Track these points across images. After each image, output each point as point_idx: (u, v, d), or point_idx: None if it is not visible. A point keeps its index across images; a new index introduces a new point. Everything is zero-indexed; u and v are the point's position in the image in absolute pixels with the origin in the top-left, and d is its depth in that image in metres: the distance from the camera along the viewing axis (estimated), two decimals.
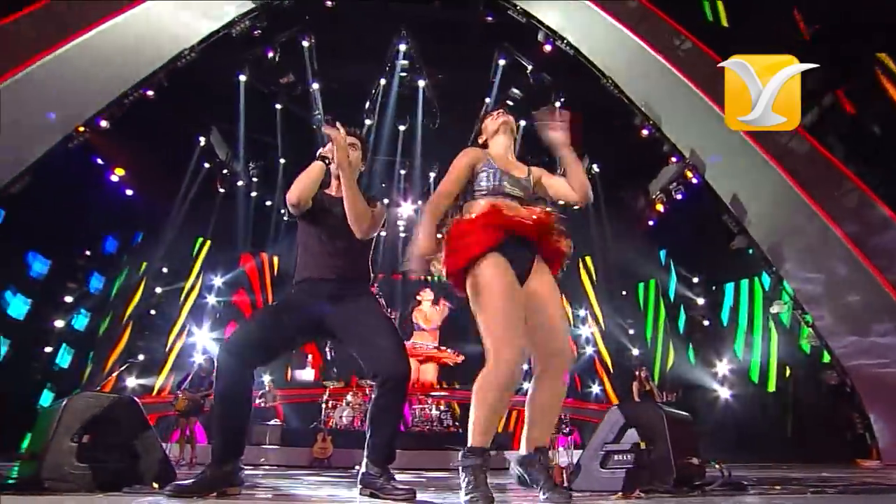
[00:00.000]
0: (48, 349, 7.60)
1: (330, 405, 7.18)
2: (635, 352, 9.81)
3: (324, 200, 2.18)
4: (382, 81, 9.23)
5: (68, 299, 7.69)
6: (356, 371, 7.39)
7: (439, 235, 1.85)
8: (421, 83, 9.23)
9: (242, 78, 8.08)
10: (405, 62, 9.01)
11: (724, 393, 8.89)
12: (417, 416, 7.51)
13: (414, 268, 1.83)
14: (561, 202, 2.08)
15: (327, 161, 2.12)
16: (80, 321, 8.13)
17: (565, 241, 1.94)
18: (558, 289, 1.90)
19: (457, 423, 7.29)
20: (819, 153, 7.00)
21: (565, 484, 2.42)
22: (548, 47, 8.14)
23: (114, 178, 7.66)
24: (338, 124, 2.16)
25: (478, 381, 1.71)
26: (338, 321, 2.07)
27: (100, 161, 7.48)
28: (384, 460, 1.99)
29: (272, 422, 6.90)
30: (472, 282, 1.79)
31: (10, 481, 2.26)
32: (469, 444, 1.71)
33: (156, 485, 2.14)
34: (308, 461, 6.12)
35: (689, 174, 8.60)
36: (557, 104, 9.51)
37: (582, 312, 10.61)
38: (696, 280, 9.71)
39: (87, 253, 8.12)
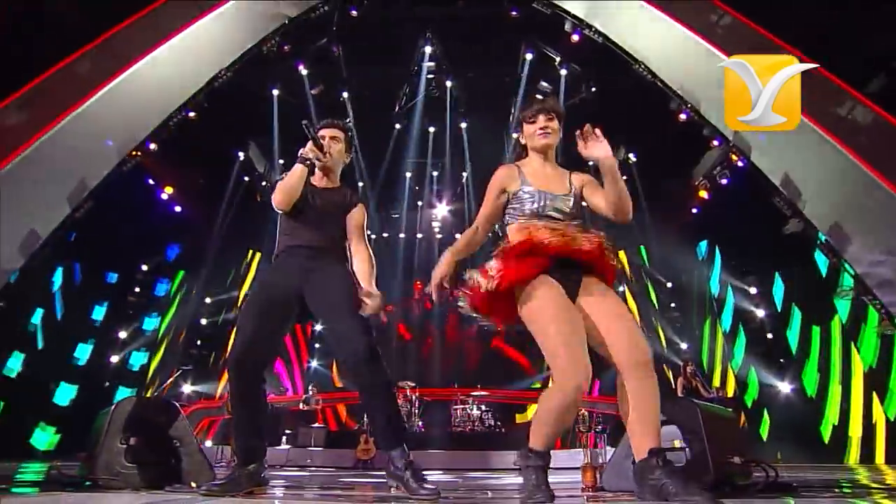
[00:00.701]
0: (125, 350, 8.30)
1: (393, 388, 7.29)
2: (683, 346, 9.38)
3: (306, 190, 2.25)
4: (410, 85, 9.32)
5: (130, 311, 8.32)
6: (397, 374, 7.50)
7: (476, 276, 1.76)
8: (448, 83, 9.24)
9: (276, 92, 8.38)
10: (431, 64, 9.07)
11: (785, 388, 8.33)
12: (459, 416, 7.51)
13: (433, 296, 1.81)
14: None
15: (307, 162, 2.17)
16: (151, 323, 8.78)
17: (614, 260, 1.85)
18: (609, 291, 1.81)
19: (498, 423, 7.23)
20: (887, 122, 6.45)
21: (599, 483, 2.34)
22: (575, 37, 7.97)
23: (164, 196, 8.17)
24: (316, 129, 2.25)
25: (546, 396, 1.71)
26: (311, 301, 2.11)
27: (151, 181, 8.00)
28: (390, 444, 1.99)
29: (316, 425, 7.11)
30: (524, 310, 1.73)
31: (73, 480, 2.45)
32: (530, 446, 1.69)
33: (194, 484, 2.26)
34: (352, 462, 6.25)
35: (734, 157, 8.16)
36: (588, 126, 9.24)
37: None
38: (745, 269, 9.18)
39: (145, 267, 8.70)
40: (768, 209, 7.51)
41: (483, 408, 7.53)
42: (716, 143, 8.19)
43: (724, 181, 8.71)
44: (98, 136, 6.74)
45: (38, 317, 7.62)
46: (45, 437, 7.38)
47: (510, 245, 1.80)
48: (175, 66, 6.85)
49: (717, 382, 8.23)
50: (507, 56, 8.83)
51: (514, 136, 2.04)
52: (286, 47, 7.73)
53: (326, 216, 2.22)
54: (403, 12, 8.35)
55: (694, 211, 9.28)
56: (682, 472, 1.64)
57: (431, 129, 10.04)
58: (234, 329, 2.23)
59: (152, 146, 6.91)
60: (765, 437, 8.06)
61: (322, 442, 6.68)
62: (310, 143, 2.19)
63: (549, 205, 1.84)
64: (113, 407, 2.48)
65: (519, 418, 9.21)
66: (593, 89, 8.77)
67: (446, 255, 1.83)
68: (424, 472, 1.99)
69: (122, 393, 8.01)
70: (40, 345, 7.54)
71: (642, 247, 10.22)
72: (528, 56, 8.69)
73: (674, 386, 6.40)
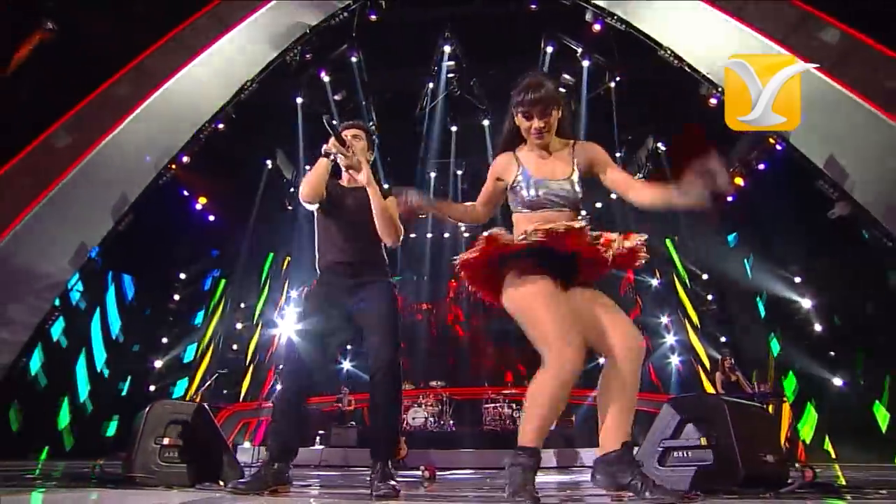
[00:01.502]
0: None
1: (403, 408, 7.36)
2: (723, 339, 9.00)
3: (336, 191, 2.31)
4: (431, 85, 9.35)
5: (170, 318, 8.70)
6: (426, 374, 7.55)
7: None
8: (469, 82, 9.21)
9: (299, 100, 8.57)
10: (451, 63, 9.06)
11: (837, 381, 7.85)
12: (490, 415, 7.48)
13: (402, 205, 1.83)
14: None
15: (331, 156, 2.21)
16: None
17: (607, 252, 1.71)
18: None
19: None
20: None
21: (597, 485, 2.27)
22: (597, 27, 7.78)
23: (198, 207, 8.51)
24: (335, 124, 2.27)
25: (536, 381, 1.62)
26: (356, 313, 2.20)
27: (185, 192, 8.36)
28: (376, 455, 2.07)
29: (350, 425, 7.22)
30: (511, 299, 1.69)
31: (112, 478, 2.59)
32: (521, 444, 1.62)
33: (222, 483, 2.34)
34: None
35: (772, 140, 7.77)
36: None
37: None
38: (786, 256, 8.71)
39: (182, 276, 9.10)
40: (811, 193, 7.13)
41: (514, 406, 7.46)
42: None
43: (760, 166, 8.33)
44: (136, 152, 7.10)
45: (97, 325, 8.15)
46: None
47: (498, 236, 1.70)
48: (203, 82, 7.13)
49: (760, 377, 7.84)
50: (529, 51, 8.73)
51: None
52: (308, 56, 7.91)
53: (360, 216, 2.24)
54: (422, 13, 8.40)
55: (729, 199, 8.88)
56: (640, 468, 1.62)
57: (454, 129, 10.03)
58: (287, 351, 2.34)
59: (185, 159, 7.20)
60: (811, 432, 7.64)
61: (355, 442, 6.79)
62: (332, 139, 2.22)
63: (545, 193, 1.75)
64: (147, 409, 2.60)
65: None
66: (617, 79, 8.54)
67: (440, 202, 1.88)
68: (440, 472, 2.08)
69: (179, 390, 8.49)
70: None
71: (668, 239, 9.91)
72: (549, 49, 8.55)
73: (713, 382, 6.15)
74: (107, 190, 6.82)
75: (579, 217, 1.76)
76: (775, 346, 8.50)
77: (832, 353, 7.94)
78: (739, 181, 8.68)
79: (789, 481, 2.04)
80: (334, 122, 2.25)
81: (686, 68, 7.47)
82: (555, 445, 6.31)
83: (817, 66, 6.54)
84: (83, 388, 7.81)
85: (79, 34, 6.86)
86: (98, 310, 8.20)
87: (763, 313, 8.87)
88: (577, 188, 1.77)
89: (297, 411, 2.19)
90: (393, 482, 2.02)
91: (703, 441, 2.05)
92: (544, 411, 1.60)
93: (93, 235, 6.87)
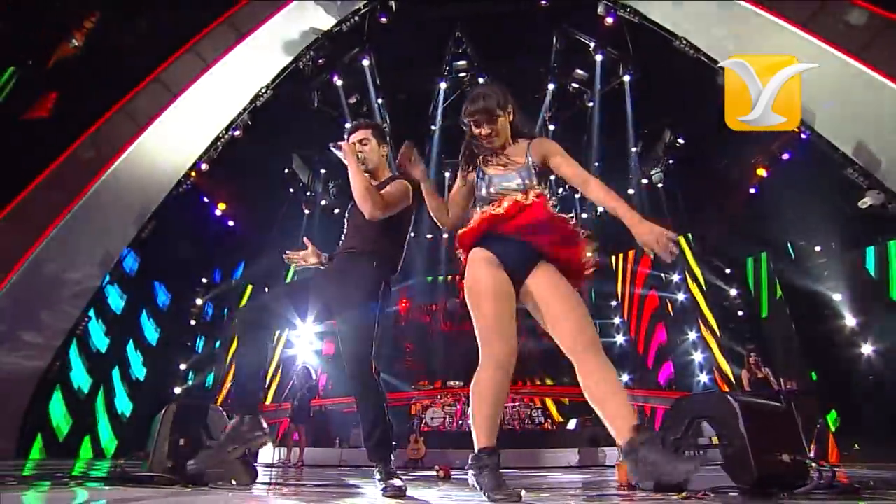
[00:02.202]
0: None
1: (420, 407, 7.39)
2: (748, 336, 8.74)
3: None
4: (443, 85, 9.35)
5: (192, 322, 8.92)
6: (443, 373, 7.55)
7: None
8: (481, 80, 9.18)
9: (314, 105, 8.68)
10: (462, 62, 9.05)
11: (868, 377, 7.52)
12: (509, 414, 7.44)
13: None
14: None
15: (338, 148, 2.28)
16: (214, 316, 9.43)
17: (571, 237, 1.77)
18: (563, 279, 1.74)
19: (548, 421, 7.09)
20: None
21: (633, 482, 2.23)
22: (609, 20, 7.65)
23: (218, 213, 8.71)
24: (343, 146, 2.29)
25: (475, 381, 1.69)
26: (331, 302, 2.17)
27: (205, 199, 8.57)
28: (375, 456, 2.04)
29: None
30: (466, 284, 1.77)
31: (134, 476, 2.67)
32: (478, 448, 1.67)
33: (234, 481, 2.38)
34: (403, 462, 6.35)
35: (796, 129, 7.51)
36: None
37: (681, 297, 9.73)
38: (818, 249, 8.39)
39: (204, 280, 9.33)
40: (840, 182, 6.87)
41: (533, 405, 7.41)
42: None
43: (785, 156, 8.06)
44: (156, 161, 7.32)
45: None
46: None
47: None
48: (219, 91, 7.29)
49: (787, 374, 7.58)
50: (540, 47, 8.65)
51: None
52: (321, 61, 8.01)
53: (354, 212, 2.28)
54: (433, 13, 8.41)
55: (752, 191, 8.63)
56: (660, 444, 1.50)
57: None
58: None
59: (204, 167, 7.38)
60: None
61: None
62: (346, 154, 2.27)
63: (498, 188, 1.83)
64: (164, 410, 2.67)
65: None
66: (631, 72, 8.39)
67: (430, 185, 1.97)
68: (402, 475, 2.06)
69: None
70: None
71: (681, 237, 9.69)
72: (561, 45, 8.45)
73: (739, 378, 5.97)
74: (130, 199, 7.05)
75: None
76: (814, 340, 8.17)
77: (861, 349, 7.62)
78: (762, 172, 8.44)
79: (806, 482, 1.96)
80: (338, 145, 2.27)
81: (703, 58, 7.29)
82: (576, 445, 6.23)
83: (843, 49, 6.35)
84: (122, 393, 8.10)
85: (101, 48, 7.11)
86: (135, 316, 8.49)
87: (790, 310, 8.57)
88: (529, 178, 1.82)
89: (252, 351, 2.14)
90: (398, 482, 1.99)
91: (714, 440, 1.99)
92: (489, 409, 1.66)
93: (117, 243, 7.11)
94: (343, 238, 2.33)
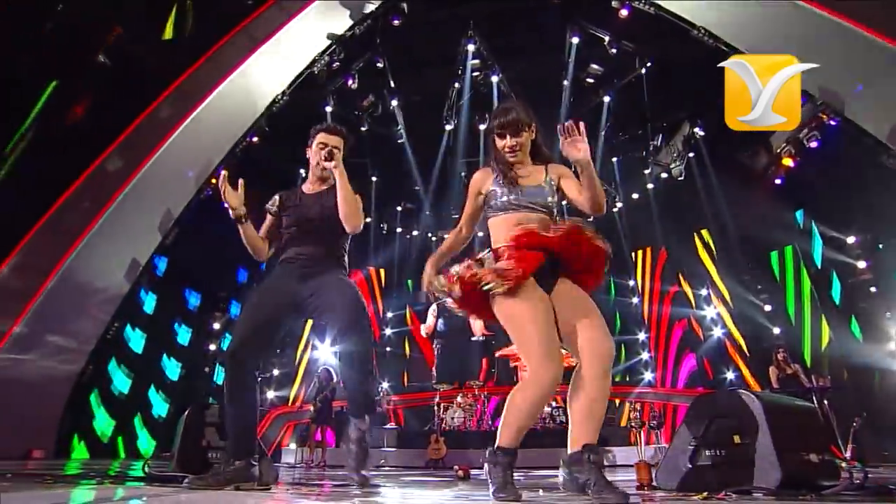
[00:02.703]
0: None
1: (441, 407, 7.38)
2: (776, 331, 8.47)
3: (298, 197, 2.44)
4: (457, 85, 9.34)
5: (216, 326, 9.13)
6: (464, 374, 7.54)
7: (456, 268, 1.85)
8: (494, 79, 9.15)
9: (328, 109, 8.79)
10: (476, 61, 9.02)
11: None
12: None
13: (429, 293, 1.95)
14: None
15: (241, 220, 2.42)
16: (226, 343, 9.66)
17: (596, 246, 1.85)
18: (581, 291, 1.84)
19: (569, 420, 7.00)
20: None
21: (654, 483, 2.19)
22: (624, 12, 7.52)
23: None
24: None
25: (518, 390, 1.76)
26: (307, 298, 2.22)
27: (226, 205, 8.72)
28: (353, 413, 2.19)
29: (389, 426, 7.32)
30: (501, 306, 1.77)
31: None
32: (499, 444, 1.74)
33: (255, 482, 2.41)
34: (424, 462, 6.36)
35: (824, 116, 7.26)
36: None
37: (703, 291, 9.50)
38: (851, 240, 8.08)
39: (229, 282, 9.55)
40: (872, 169, 6.60)
41: (553, 404, 7.32)
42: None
43: (813, 144, 7.78)
44: (179, 169, 7.53)
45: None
46: None
47: (513, 239, 1.81)
48: (237, 98, 7.46)
49: (817, 370, 7.31)
50: (554, 42, 8.57)
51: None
52: (335, 65, 8.10)
53: (320, 222, 2.33)
54: (445, 14, 8.41)
55: (777, 182, 8.36)
56: (601, 471, 1.66)
57: (482, 127, 9.98)
58: (232, 339, 2.35)
59: (223, 172, 7.53)
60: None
61: (394, 442, 6.87)
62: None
63: (519, 197, 1.87)
64: (186, 412, 2.74)
65: None
66: (649, 64, 8.23)
67: (429, 263, 1.92)
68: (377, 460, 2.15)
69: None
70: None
71: (704, 231, 9.48)
72: (575, 40, 8.35)
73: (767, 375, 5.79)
74: (154, 207, 7.28)
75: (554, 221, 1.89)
76: (856, 333, 7.84)
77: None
78: (788, 162, 8.17)
79: (836, 483, 1.89)
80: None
81: (723, 46, 7.11)
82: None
83: (866, 27, 6.11)
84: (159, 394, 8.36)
85: (125, 63, 7.35)
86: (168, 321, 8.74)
87: (838, 300, 8.22)
88: (551, 194, 1.90)
89: (239, 399, 2.18)
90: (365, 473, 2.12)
91: (737, 439, 1.93)
92: (524, 419, 1.73)
93: (144, 250, 7.34)
94: (297, 244, 2.34)
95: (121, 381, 7.81)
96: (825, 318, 8.14)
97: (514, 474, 1.80)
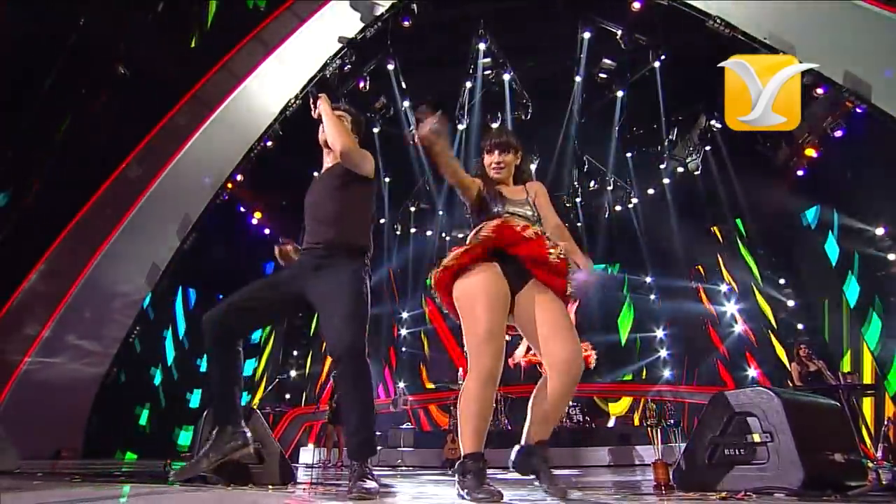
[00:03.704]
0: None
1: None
2: (799, 326, 8.23)
3: (314, 187, 2.34)
4: (469, 84, 9.32)
5: None
6: None
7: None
8: (506, 77, 9.10)
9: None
10: (487, 60, 8.99)
11: None
12: None
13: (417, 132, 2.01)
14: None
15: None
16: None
17: (562, 263, 1.88)
18: (552, 295, 1.88)
19: (587, 419, 6.92)
20: None
21: (671, 482, 2.15)
22: (637, 5, 7.41)
23: (254, 221, 9.03)
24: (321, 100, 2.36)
25: (462, 393, 1.78)
26: (315, 297, 2.09)
27: (242, 209, 8.90)
28: (357, 455, 1.92)
29: (405, 425, 7.35)
30: (460, 288, 1.84)
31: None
32: (465, 453, 1.74)
33: (271, 488, 2.43)
34: (440, 462, 6.37)
35: (849, 104, 7.03)
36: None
37: (722, 287, 9.30)
38: (879, 231, 7.80)
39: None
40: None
41: (571, 403, 7.25)
42: (821, 90, 7.11)
43: (837, 133, 7.54)
44: (196, 175, 7.68)
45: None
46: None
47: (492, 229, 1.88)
48: (252, 103, 7.57)
49: (847, 367, 7.09)
50: (566, 38, 8.48)
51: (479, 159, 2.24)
52: (347, 68, 8.15)
53: (329, 195, 2.23)
54: (455, 13, 8.39)
55: (800, 173, 8.13)
56: (548, 465, 1.84)
57: (494, 126, 9.94)
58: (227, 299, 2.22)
59: (239, 177, 7.67)
60: None
61: (411, 442, 6.90)
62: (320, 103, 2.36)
63: (506, 208, 1.98)
64: (205, 414, 2.78)
65: (612, 409, 8.77)
66: (663, 57, 8.08)
67: (447, 153, 1.97)
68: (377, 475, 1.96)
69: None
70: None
71: (716, 226, 9.28)
72: (587, 35, 8.25)
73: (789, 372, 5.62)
74: (173, 212, 7.43)
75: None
76: (875, 331, 7.59)
77: None
78: (811, 153, 7.93)
79: (863, 483, 1.82)
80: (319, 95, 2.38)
81: (740, 36, 6.94)
82: (607, 443, 6.07)
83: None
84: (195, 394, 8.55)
85: (143, 73, 7.52)
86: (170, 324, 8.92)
87: (853, 296, 7.98)
88: (532, 210, 2.04)
89: (222, 362, 2.10)
90: (371, 483, 1.85)
91: (757, 437, 1.88)
92: (476, 422, 1.73)
93: (163, 255, 7.50)
94: (310, 230, 2.23)
95: (160, 384, 8.02)
96: (853, 313, 7.88)
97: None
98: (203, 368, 8.91)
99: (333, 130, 2.18)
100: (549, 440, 1.90)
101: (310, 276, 2.11)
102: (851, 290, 7.99)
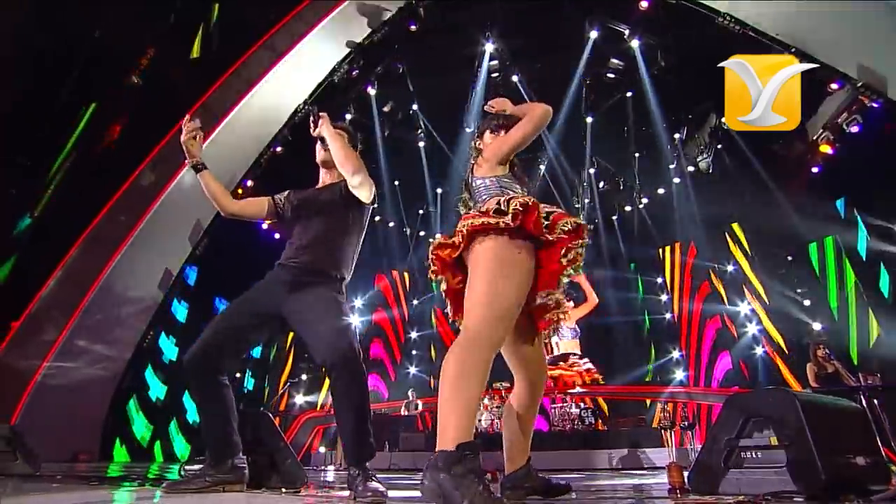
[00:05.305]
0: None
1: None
2: (816, 326, 8.06)
3: (307, 196, 2.29)
4: (476, 86, 9.31)
5: None
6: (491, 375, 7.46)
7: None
8: (514, 78, 9.08)
9: (349, 116, 8.92)
10: (494, 62, 8.98)
11: None
12: (557, 415, 7.24)
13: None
14: None
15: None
16: (256, 350, 9.82)
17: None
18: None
19: (599, 421, 6.84)
20: None
21: (686, 485, 2.10)
22: (644, 4, 7.36)
23: (264, 227, 9.08)
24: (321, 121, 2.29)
25: (454, 364, 1.44)
26: (291, 314, 2.03)
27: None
28: (357, 460, 1.89)
29: (417, 429, 7.31)
30: (504, 244, 1.63)
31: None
32: (458, 442, 1.38)
33: (283, 490, 2.43)
34: None
35: (865, 99, 6.90)
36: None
37: (736, 287, 9.16)
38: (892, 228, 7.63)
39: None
40: None
41: (582, 406, 7.18)
42: (835, 86, 6.99)
43: (854, 129, 7.40)
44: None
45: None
46: None
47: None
48: (261, 110, 7.65)
49: (867, 367, 6.90)
50: (573, 39, 8.45)
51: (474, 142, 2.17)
52: (355, 73, 8.21)
53: (318, 216, 2.18)
54: (462, 16, 8.41)
55: (815, 170, 7.99)
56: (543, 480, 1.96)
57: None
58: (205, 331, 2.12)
59: (249, 183, 7.74)
60: None
61: (422, 445, 6.86)
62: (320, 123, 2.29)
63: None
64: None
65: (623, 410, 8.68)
66: (670, 56, 8.02)
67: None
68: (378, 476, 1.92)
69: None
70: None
71: (729, 226, 9.14)
72: (594, 35, 8.21)
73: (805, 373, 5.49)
74: (184, 219, 7.52)
75: None
76: None
77: None
78: (826, 149, 7.79)
79: (886, 487, 1.77)
80: (319, 115, 2.31)
81: (751, 32, 6.86)
82: (617, 446, 5.98)
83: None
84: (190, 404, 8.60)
85: (156, 83, 7.64)
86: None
87: (887, 293, 7.78)
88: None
89: (209, 401, 2.04)
90: (378, 485, 1.83)
91: (774, 440, 1.84)
92: (476, 390, 1.45)
93: (175, 260, 7.59)
94: (295, 248, 2.16)
95: (157, 388, 8.08)
96: (873, 312, 7.70)
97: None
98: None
99: (342, 154, 2.12)
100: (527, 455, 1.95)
101: (283, 295, 2.06)
102: (883, 286, 7.77)
